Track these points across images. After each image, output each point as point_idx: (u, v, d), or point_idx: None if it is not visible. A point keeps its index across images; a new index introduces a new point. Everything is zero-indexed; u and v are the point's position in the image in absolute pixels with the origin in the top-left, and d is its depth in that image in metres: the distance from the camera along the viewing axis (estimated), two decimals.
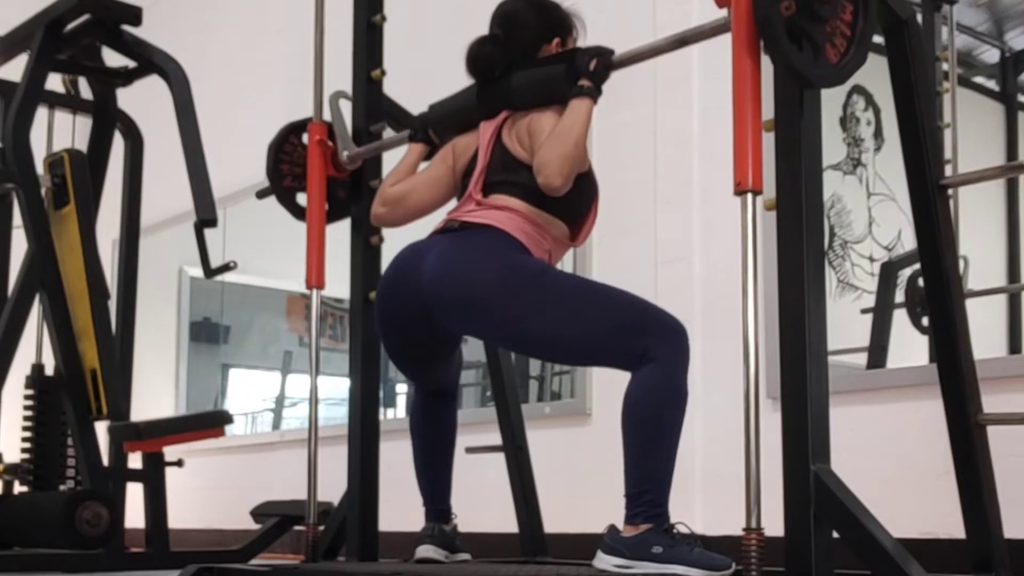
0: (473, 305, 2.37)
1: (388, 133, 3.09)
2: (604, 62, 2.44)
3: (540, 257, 2.46)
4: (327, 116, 3.04)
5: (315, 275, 2.98)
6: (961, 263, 3.34)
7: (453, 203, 2.65)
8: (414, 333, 2.53)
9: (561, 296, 2.35)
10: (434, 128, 2.73)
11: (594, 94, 2.42)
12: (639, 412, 2.29)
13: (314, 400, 2.98)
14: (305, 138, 3.10)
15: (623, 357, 2.33)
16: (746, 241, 1.98)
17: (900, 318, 3.61)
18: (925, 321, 3.38)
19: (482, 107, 2.61)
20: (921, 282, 3.16)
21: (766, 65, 2.03)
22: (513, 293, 2.34)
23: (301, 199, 3.12)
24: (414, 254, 2.48)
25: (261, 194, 3.24)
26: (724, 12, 2.12)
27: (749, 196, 1.98)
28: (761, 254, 2.03)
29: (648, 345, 2.29)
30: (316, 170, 3.01)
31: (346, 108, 3.07)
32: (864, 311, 3.63)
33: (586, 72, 2.42)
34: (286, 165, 3.13)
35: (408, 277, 2.46)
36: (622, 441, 2.31)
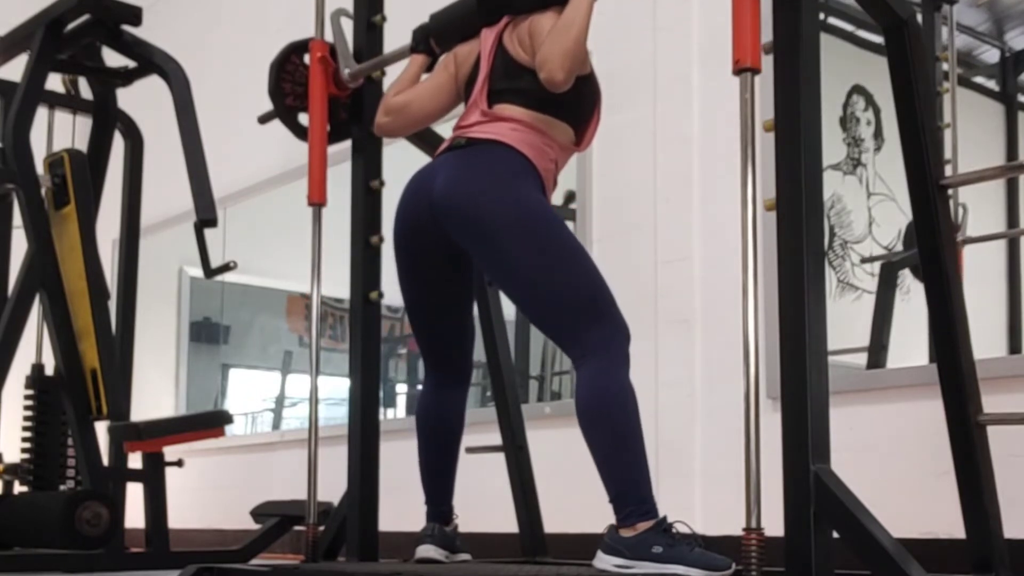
0: (474, 225, 2.42)
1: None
2: None
3: (546, 167, 2.51)
4: (329, 36, 3.04)
5: (317, 190, 3.01)
6: (960, 210, 3.35)
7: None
8: (429, 255, 2.57)
9: (553, 247, 2.40)
10: (435, 38, 2.76)
11: None
12: (594, 415, 2.31)
13: (314, 400, 2.98)
14: (307, 57, 3.11)
15: (576, 331, 2.36)
16: (746, 240, 1.98)
17: (900, 319, 3.60)
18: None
19: (482, 13, 2.64)
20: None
21: (767, 69, 2.03)
22: (512, 228, 2.39)
23: (303, 120, 3.13)
24: (424, 175, 2.54)
25: (263, 118, 3.25)
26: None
27: (748, 75, 1.99)
28: (761, 254, 2.03)
29: (601, 333, 2.34)
30: (318, 87, 3.04)
31: (347, 28, 3.07)
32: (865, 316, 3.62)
33: None
34: (288, 84, 3.14)
35: (420, 197, 2.51)
36: (588, 447, 2.32)
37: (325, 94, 3.04)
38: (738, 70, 2.01)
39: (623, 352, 2.38)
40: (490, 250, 2.44)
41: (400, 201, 2.60)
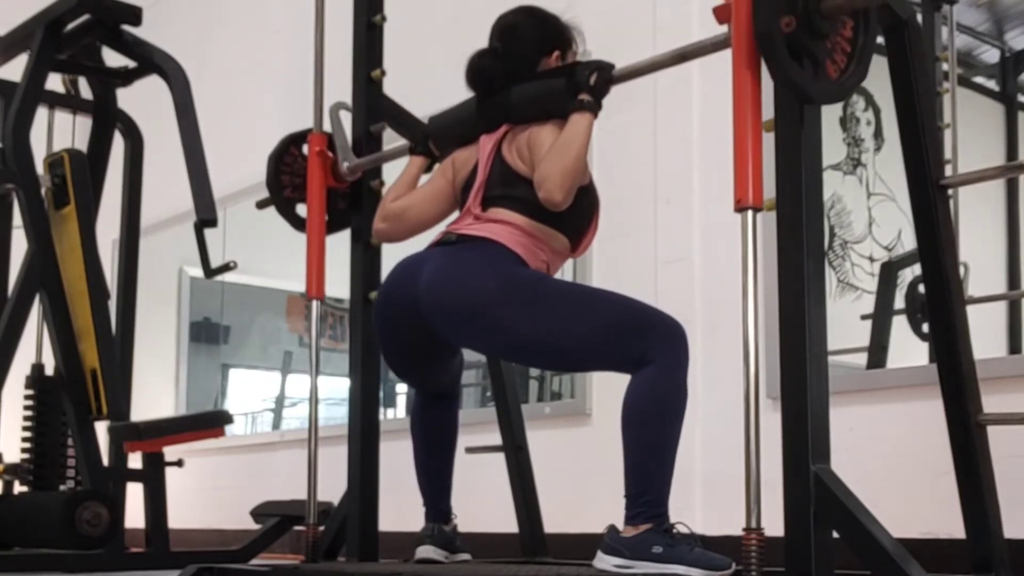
0: (471, 316, 2.37)
1: (388, 133, 3.09)
2: (604, 76, 2.44)
3: (537, 268, 2.46)
4: (327, 127, 3.04)
5: (315, 286, 2.99)
6: (962, 269, 3.34)
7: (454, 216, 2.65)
8: (412, 343, 2.54)
9: (558, 303, 2.36)
10: (434, 141, 2.74)
11: (594, 108, 2.42)
12: (639, 413, 2.29)
13: (314, 400, 2.98)
14: (305, 149, 3.10)
15: (622, 361, 2.33)
16: (746, 248, 1.98)
17: (900, 319, 3.61)
18: (925, 328, 3.38)
19: (482, 121, 2.61)
20: (921, 288, 3.16)
21: (767, 70, 2.03)
22: (510, 302, 2.34)
23: (301, 209, 3.12)
24: (412, 265, 2.48)
25: (261, 204, 3.24)
26: (724, 28, 2.12)
27: (750, 213, 1.98)
28: (761, 254, 2.03)
29: (646, 348, 2.30)
30: (316, 181, 3.02)
31: (346, 119, 3.07)
32: (864, 317, 3.62)
33: (586, 86, 2.42)
34: (286, 176, 3.14)
35: (405, 288, 2.46)
36: (622, 442, 2.31)
37: (323, 189, 3.01)
38: (739, 208, 1.99)
39: (681, 351, 2.33)
40: (490, 334, 2.39)
41: (383, 286, 2.55)
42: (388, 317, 2.52)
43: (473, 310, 2.36)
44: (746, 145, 1.99)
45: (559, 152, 2.37)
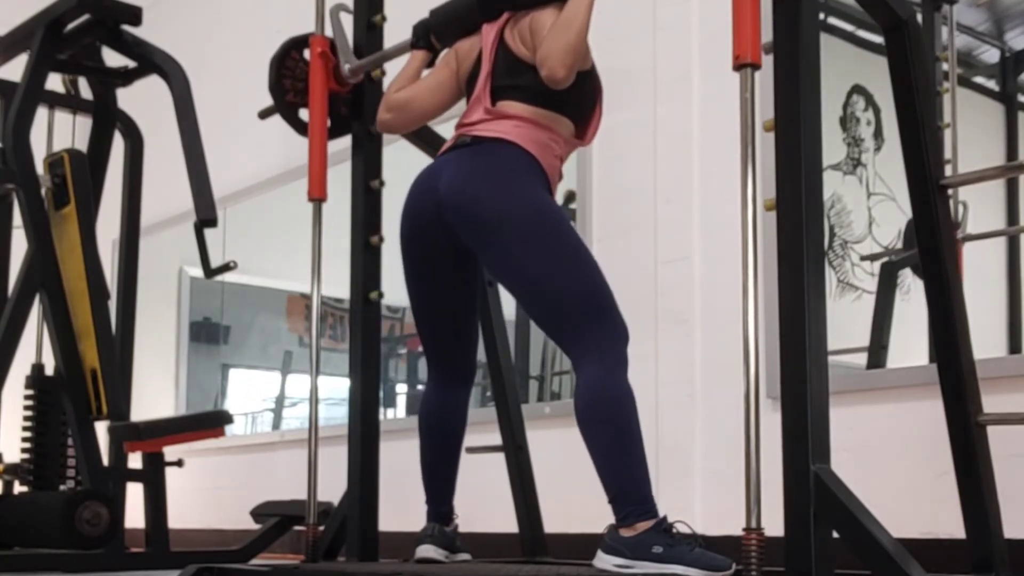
0: (479, 223, 2.44)
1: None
2: None
3: (551, 164, 2.52)
4: (329, 31, 3.04)
5: (317, 185, 3.01)
6: (960, 208, 3.35)
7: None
8: (436, 253, 2.58)
9: (556, 243, 2.41)
10: (435, 34, 2.76)
11: None
12: (598, 415, 2.31)
13: (314, 400, 2.98)
14: (307, 53, 3.10)
15: (577, 331, 2.37)
16: (746, 240, 1.99)
17: (900, 319, 3.60)
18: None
19: (483, 10, 2.64)
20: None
21: (767, 68, 2.03)
22: (517, 228, 2.40)
23: (304, 116, 3.12)
24: (429, 176, 2.55)
25: (264, 113, 3.25)
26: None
27: (748, 70, 1.99)
28: (761, 254, 2.03)
29: (601, 333, 2.34)
30: (318, 83, 3.04)
31: (347, 23, 3.06)
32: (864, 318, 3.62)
33: None
34: (288, 80, 3.14)
35: (427, 196, 2.52)
36: (587, 447, 2.32)
37: (325, 90, 3.04)
38: (738, 65, 2.01)
39: (621, 353, 2.38)
40: (495, 248, 2.45)
41: (406, 200, 2.60)
42: (413, 230, 2.58)
43: (486, 223, 2.43)
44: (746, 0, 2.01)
45: (560, 30, 2.41)
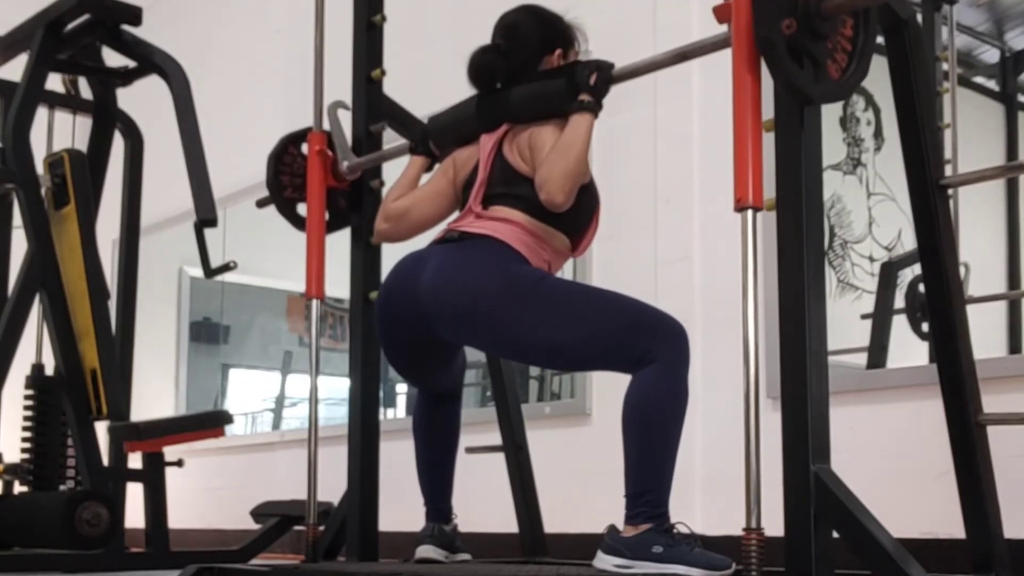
0: (471, 314, 2.37)
1: (388, 133, 3.09)
2: (604, 76, 2.44)
3: (539, 266, 2.46)
4: (327, 125, 3.03)
5: (315, 286, 2.99)
6: (962, 269, 3.34)
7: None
8: (414, 342, 2.54)
9: (560, 302, 2.35)
10: (434, 140, 2.73)
11: (595, 108, 2.42)
12: (640, 413, 2.29)
13: (314, 400, 2.98)
14: (304, 148, 3.09)
15: (623, 361, 2.33)
16: (746, 248, 1.98)
17: (900, 319, 3.61)
18: (925, 327, 3.38)
19: (482, 120, 2.61)
20: (921, 288, 3.15)
21: (767, 71, 2.03)
22: (512, 301, 2.34)
23: (302, 209, 3.11)
24: (413, 263, 2.48)
25: (261, 203, 3.24)
26: (724, 27, 2.12)
27: (750, 212, 1.98)
28: (761, 254, 2.03)
29: (648, 348, 2.30)
30: (316, 181, 3.01)
31: (345, 117, 3.06)
32: (864, 316, 3.62)
33: (586, 87, 2.42)
34: (286, 176, 3.13)
35: (407, 287, 2.46)
36: (623, 441, 2.31)
37: (323, 188, 3.00)
38: (739, 208, 1.99)
39: (683, 351, 2.33)
40: (492, 332, 2.39)
41: (383, 288, 2.55)
42: (389, 316, 2.53)
43: (474, 309, 2.36)
44: (746, 145, 1.99)
45: (560, 154, 2.37)
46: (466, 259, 2.41)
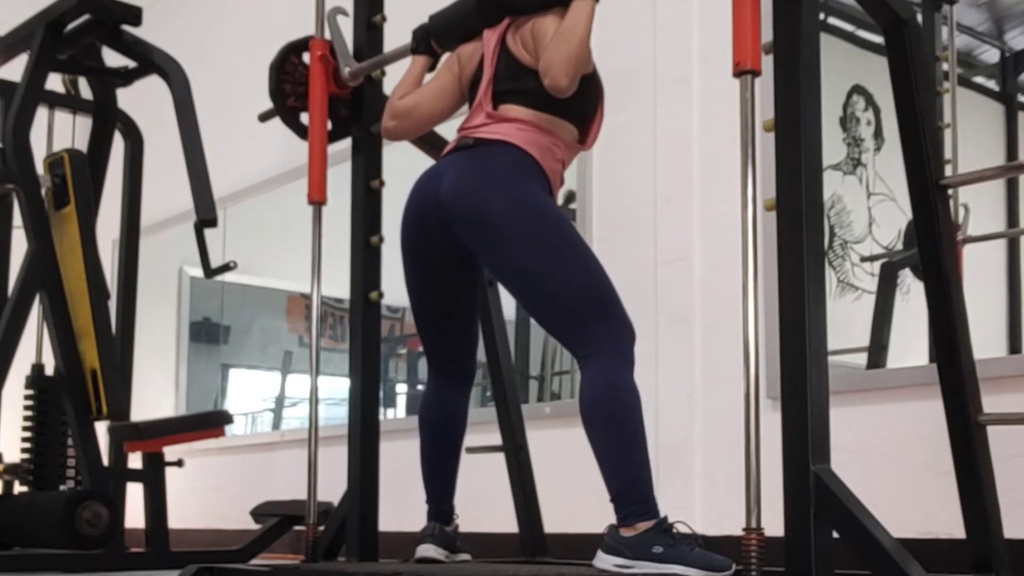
0: (481, 224, 2.44)
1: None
2: None
3: (552, 167, 2.52)
4: (327, 34, 3.05)
5: (317, 189, 3.02)
6: (961, 210, 3.35)
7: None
8: (437, 255, 2.58)
9: (563, 247, 2.41)
10: (436, 39, 2.76)
11: None
12: (599, 416, 2.32)
13: (314, 400, 2.98)
14: (306, 57, 3.11)
15: (582, 331, 2.37)
16: (746, 248, 1.98)
17: (900, 319, 3.60)
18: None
19: (483, 15, 2.64)
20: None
21: (767, 69, 2.03)
22: (518, 228, 2.41)
23: (305, 119, 3.12)
24: (432, 176, 2.55)
25: (264, 116, 3.25)
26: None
27: (748, 77, 2.00)
28: (761, 254, 2.03)
29: (607, 332, 2.35)
30: (318, 86, 3.04)
31: (345, 25, 3.07)
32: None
33: None
34: (288, 85, 3.14)
35: (428, 197, 2.53)
36: (591, 445, 2.33)
37: (325, 93, 3.04)
38: (738, 72, 2.01)
39: (628, 352, 2.38)
40: (496, 249, 2.45)
41: (407, 202, 2.61)
42: (413, 231, 2.58)
43: (485, 221, 2.43)
44: (746, 7, 2.01)
45: (562, 38, 2.42)
46: (481, 167, 2.47)
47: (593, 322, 2.36)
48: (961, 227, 3.44)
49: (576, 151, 2.65)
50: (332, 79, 3.05)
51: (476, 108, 2.59)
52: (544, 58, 2.43)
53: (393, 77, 2.96)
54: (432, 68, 2.81)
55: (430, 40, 2.78)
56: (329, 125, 3.07)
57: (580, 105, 2.55)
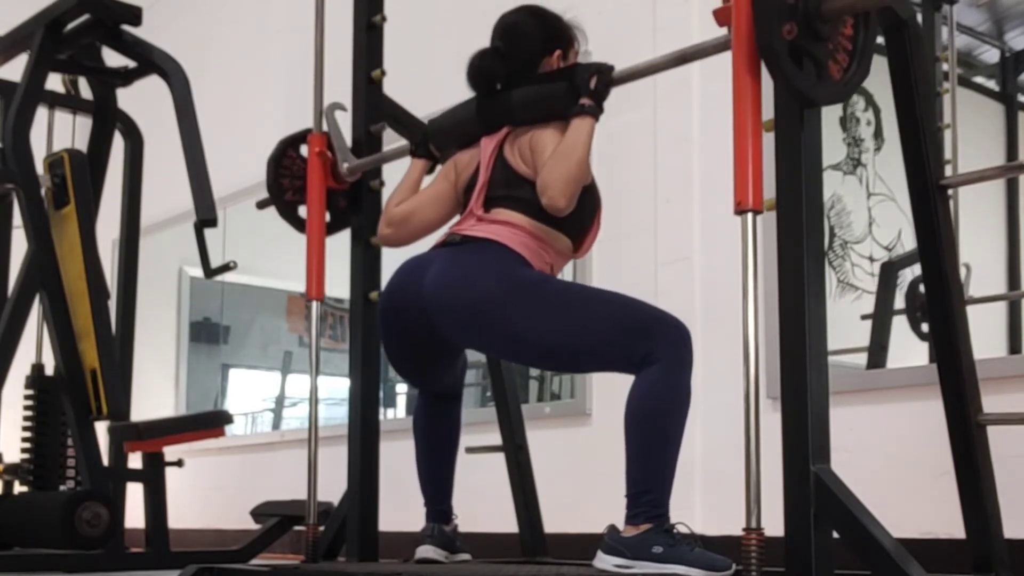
0: (474, 316, 2.38)
1: (388, 134, 3.09)
2: (604, 80, 2.44)
3: (541, 269, 2.47)
4: (326, 127, 3.03)
5: (315, 287, 2.99)
6: (963, 270, 3.34)
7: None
8: (416, 345, 2.55)
9: (562, 303, 2.36)
10: (434, 143, 2.73)
11: (595, 112, 2.42)
12: (642, 413, 2.29)
13: (314, 400, 2.98)
14: (303, 150, 3.09)
15: (626, 361, 2.33)
16: (746, 248, 1.98)
17: (900, 319, 3.61)
18: (925, 328, 3.38)
19: (483, 122, 2.61)
20: (922, 288, 3.16)
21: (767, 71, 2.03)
22: (514, 303, 2.35)
23: (303, 211, 3.11)
24: (416, 266, 2.49)
25: (261, 205, 3.24)
26: (724, 31, 2.12)
27: (750, 216, 1.98)
28: (761, 254, 2.03)
29: (650, 348, 2.30)
30: (316, 182, 3.01)
31: (344, 119, 3.06)
32: (864, 317, 3.62)
33: (586, 90, 2.42)
34: (286, 179, 3.13)
35: (410, 289, 2.47)
36: (625, 441, 2.31)
37: (323, 190, 3.00)
38: (739, 211, 1.98)
39: (684, 354, 2.33)
40: (494, 333, 2.39)
41: (387, 289, 2.56)
42: (392, 319, 2.53)
43: (476, 309, 2.37)
44: (746, 147, 1.98)
45: (561, 158, 2.37)
46: (468, 261, 2.41)
47: (635, 347, 2.30)
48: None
49: (568, 259, 2.60)
50: (330, 174, 3.01)
51: (468, 213, 2.54)
52: (542, 176, 2.38)
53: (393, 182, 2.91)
54: (431, 171, 2.79)
55: (428, 144, 2.75)
56: (328, 216, 3.04)
57: (577, 218, 2.48)
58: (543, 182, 2.37)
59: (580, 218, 2.50)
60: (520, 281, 2.38)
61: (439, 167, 2.76)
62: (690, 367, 2.34)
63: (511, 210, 2.47)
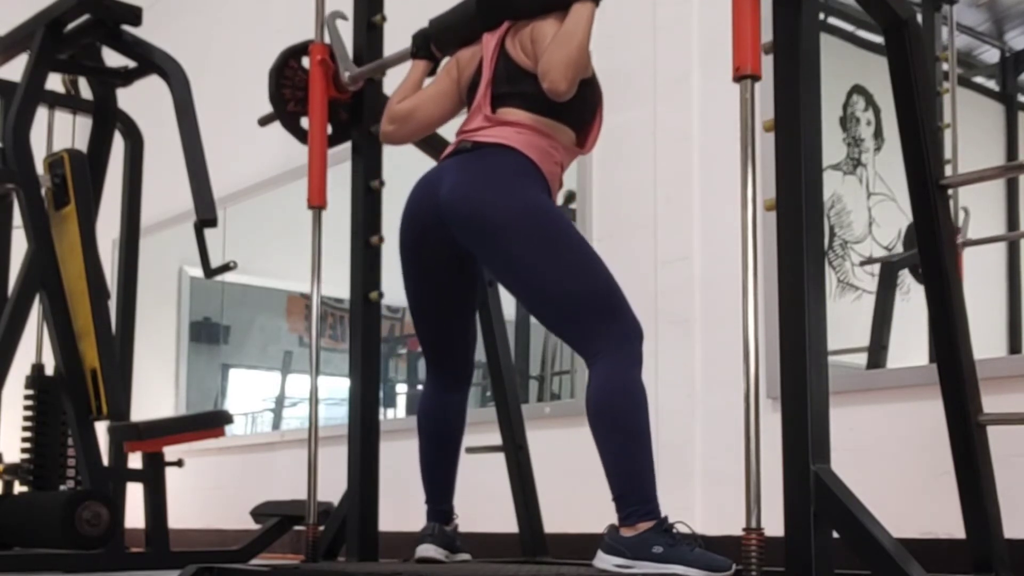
0: (483, 226, 2.43)
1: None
2: None
3: (551, 170, 2.52)
4: (327, 38, 3.05)
5: (317, 193, 3.02)
6: (961, 213, 3.34)
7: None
8: (435, 263, 2.59)
9: (562, 244, 2.41)
10: (436, 43, 2.76)
11: None
12: (608, 414, 2.31)
13: (314, 400, 2.98)
14: (306, 61, 3.10)
15: (590, 331, 2.37)
16: (746, 247, 1.98)
17: (900, 319, 3.60)
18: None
19: (483, 18, 2.64)
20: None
21: (766, 69, 2.03)
22: (524, 231, 2.40)
23: (305, 124, 3.13)
24: (432, 179, 2.55)
25: (264, 120, 3.24)
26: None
27: (748, 81, 1.99)
28: (761, 254, 2.03)
29: (615, 332, 2.34)
30: (318, 90, 3.04)
31: (344, 29, 3.07)
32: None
33: None
34: (288, 90, 3.14)
35: (427, 201, 2.52)
36: (596, 445, 2.32)
37: (325, 98, 3.04)
38: (738, 77, 2.01)
39: (635, 351, 2.37)
40: (497, 253, 2.45)
41: (406, 205, 2.61)
42: (413, 234, 2.58)
43: (486, 224, 2.42)
44: (746, 12, 2.01)
45: (562, 42, 2.41)
46: (481, 170, 2.46)
47: (599, 322, 2.36)
48: (961, 230, 3.44)
49: (575, 155, 2.64)
50: (332, 83, 3.04)
51: (474, 111, 2.59)
52: (543, 61, 2.43)
53: (393, 79, 2.96)
54: (432, 72, 2.82)
55: (430, 44, 2.78)
56: (329, 129, 3.07)
57: (579, 110, 2.54)
58: (544, 67, 2.41)
59: (582, 109, 2.55)
60: (529, 208, 2.42)
61: (441, 66, 2.79)
62: (640, 364, 2.37)
63: (517, 108, 2.52)
